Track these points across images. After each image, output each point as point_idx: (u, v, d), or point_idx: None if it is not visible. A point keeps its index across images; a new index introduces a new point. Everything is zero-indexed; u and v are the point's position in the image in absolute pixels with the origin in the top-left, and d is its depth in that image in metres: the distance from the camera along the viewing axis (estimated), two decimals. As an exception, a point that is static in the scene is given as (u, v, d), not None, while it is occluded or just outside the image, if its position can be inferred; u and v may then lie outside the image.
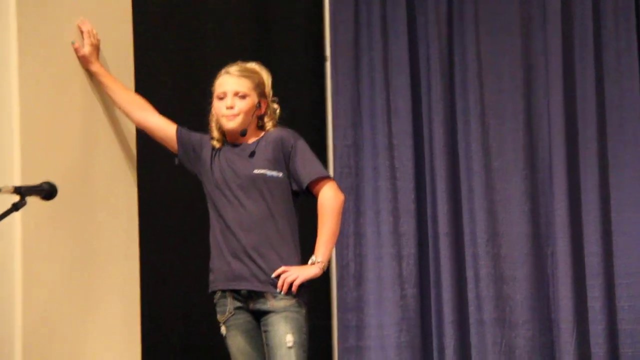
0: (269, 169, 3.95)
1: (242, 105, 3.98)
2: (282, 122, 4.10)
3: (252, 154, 3.98)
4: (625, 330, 5.28)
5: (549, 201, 5.38)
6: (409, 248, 5.41)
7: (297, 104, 5.18)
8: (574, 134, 5.38)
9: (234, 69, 4.02)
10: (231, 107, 3.97)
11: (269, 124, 4.05)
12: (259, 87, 4.03)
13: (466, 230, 5.45)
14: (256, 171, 3.95)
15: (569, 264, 5.30)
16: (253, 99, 4.01)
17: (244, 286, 3.92)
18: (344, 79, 5.46)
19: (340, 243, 5.36)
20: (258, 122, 4.06)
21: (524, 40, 5.45)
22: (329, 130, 5.45)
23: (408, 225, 5.42)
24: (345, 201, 4.13)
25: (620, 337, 5.28)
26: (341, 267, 5.41)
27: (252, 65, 4.07)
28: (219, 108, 4.01)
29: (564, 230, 5.31)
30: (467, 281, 5.42)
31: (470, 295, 5.40)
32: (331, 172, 5.35)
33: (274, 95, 4.09)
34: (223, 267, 3.95)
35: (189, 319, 4.79)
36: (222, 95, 4.01)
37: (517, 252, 5.40)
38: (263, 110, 4.05)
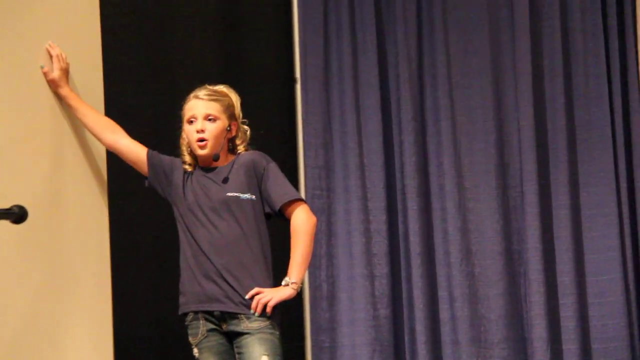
0: (242, 191, 3.95)
1: (212, 128, 3.98)
2: (253, 144, 4.10)
3: (225, 179, 3.97)
4: (598, 350, 5.29)
5: (521, 220, 5.39)
6: (382, 268, 5.41)
7: (268, 126, 5.18)
8: (545, 153, 5.40)
9: (203, 92, 4.03)
10: (202, 131, 3.97)
11: (240, 146, 4.06)
12: (229, 109, 4.03)
13: (439, 249, 5.45)
14: (229, 194, 3.95)
15: (542, 283, 5.30)
16: (223, 122, 4.01)
17: (216, 307, 3.90)
18: (314, 100, 5.45)
19: (313, 264, 5.35)
20: (229, 145, 4.06)
21: (493, 60, 5.47)
22: (299, 151, 5.45)
23: (380, 246, 5.41)
24: (318, 223, 4.14)
25: (593, 356, 5.29)
26: (314, 288, 5.40)
27: (221, 88, 4.07)
28: (189, 132, 4.01)
29: (536, 248, 5.32)
30: (440, 301, 5.42)
31: (444, 315, 5.40)
32: (302, 194, 5.34)
33: (244, 117, 4.10)
34: (195, 288, 3.93)
35: (161, 342, 4.76)
36: (192, 119, 4.01)
37: (490, 271, 5.40)
38: (234, 132, 4.05)
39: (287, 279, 3.90)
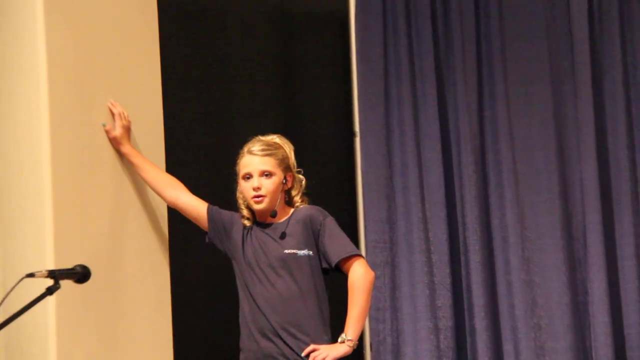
0: (299, 248, 3.95)
1: (268, 184, 3.99)
2: (312, 196, 4.10)
3: (282, 235, 3.98)
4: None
5: (585, 271, 5.33)
6: (446, 321, 5.36)
7: (328, 180, 5.19)
8: (609, 203, 5.35)
9: (256, 147, 4.03)
10: (258, 188, 3.98)
11: (296, 197, 4.06)
12: (284, 162, 4.03)
13: (503, 302, 5.39)
14: (287, 251, 3.95)
15: (609, 336, 5.22)
16: (279, 176, 4.02)
17: (273, 365, 3.92)
18: (375, 154, 5.43)
19: (376, 318, 5.32)
20: (285, 197, 4.06)
21: (555, 111, 5.43)
22: (359, 205, 5.44)
23: (444, 298, 5.37)
24: (376, 277, 4.11)
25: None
26: (377, 341, 5.36)
27: (274, 140, 4.07)
28: (246, 189, 4.02)
29: (602, 300, 5.25)
30: (505, 354, 5.36)
31: (510, 368, 5.35)
32: (362, 247, 5.33)
33: (305, 171, 4.09)
34: (252, 346, 3.94)
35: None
36: (247, 176, 4.01)
37: (557, 323, 5.33)
38: (290, 184, 4.05)
39: (343, 335, 3.88)
